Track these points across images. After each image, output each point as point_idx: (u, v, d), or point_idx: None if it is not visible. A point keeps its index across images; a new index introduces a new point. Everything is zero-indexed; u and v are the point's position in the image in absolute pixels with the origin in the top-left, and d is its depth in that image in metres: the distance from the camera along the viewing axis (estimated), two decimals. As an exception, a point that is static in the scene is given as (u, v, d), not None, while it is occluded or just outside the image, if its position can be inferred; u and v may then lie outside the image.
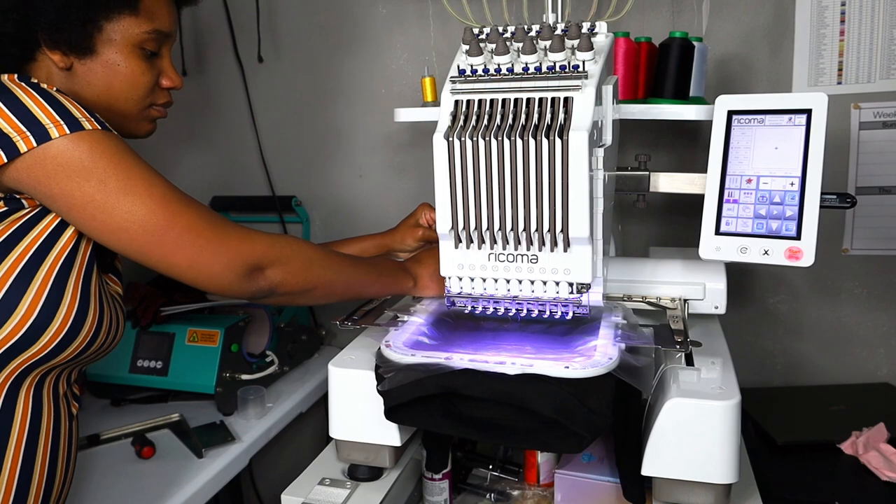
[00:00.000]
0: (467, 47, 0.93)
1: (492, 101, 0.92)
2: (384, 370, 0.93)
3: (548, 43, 0.90)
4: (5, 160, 0.77)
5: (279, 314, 1.59)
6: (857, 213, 1.40)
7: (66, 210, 0.82)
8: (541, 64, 0.91)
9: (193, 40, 1.75)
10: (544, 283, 0.95)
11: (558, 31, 0.94)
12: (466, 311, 1.02)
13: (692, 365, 0.97)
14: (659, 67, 1.18)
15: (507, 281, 0.96)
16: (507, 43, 0.93)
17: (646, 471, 0.89)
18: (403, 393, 0.88)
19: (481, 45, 0.94)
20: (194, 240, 0.86)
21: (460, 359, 0.89)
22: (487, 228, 0.93)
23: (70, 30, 0.89)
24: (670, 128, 1.43)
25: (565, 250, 0.91)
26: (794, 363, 1.48)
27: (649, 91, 1.21)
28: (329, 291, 0.99)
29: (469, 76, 0.93)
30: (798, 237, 0.90)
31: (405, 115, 1.26)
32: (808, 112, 0.92)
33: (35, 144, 0.78)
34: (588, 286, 0.94)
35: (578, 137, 0.86)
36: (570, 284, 0.94)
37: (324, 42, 1.66)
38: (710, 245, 0.95)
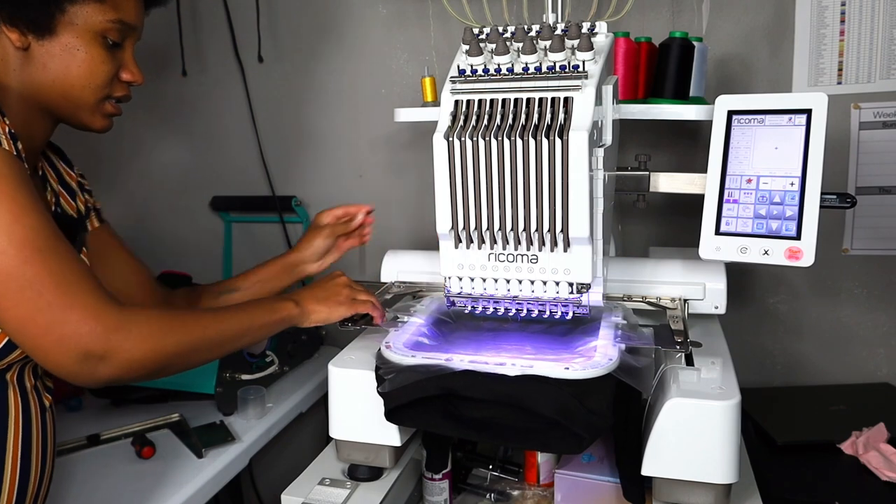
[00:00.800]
0: (467, 47, 0.93)
1: (492, 101, 0.92)
2: (384, 371, 0.92)
3: (548, 43, 0.90)
4: None
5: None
6: (857, 213, 1.40)
7: None
8: (541, 64, 0.91)
9: (193, 40, 1.75)
10: (544, 283, 0.95)
11: (558, 31, 0.94)
12: (466, 311, 1.02)
13: (692, 365, 0.97)
14: (659, 67, 1.18)
15: (507, 281, 0.96)
16: (507, 43, 0.93)
17: (646, 471, 0.89)
18: (404, 394, 0.88)
19: (481, 45, 0.94)
20: (32, 299, 0.75)
21: (460, 360, 0.89)
22: (487, 228, 0.93)
23: (31, 7, 0.87)
24: (670, 128, 1.43)
25: (565, 250, 0.91)
26: (794, 363, 1.48)
27: (649, 91, 1.21)
28: (195, 358, 0.90)
29: (469, 76, 0.93)
30: (798, 237, 0.90)
31: (405, 115, 1.26)
32: (808, 112, 0.92)
33: None
34: (588, 286, 0.94)
35: (578, 137, 0.86)
36: (570, 284, 0.94)
37: (324, 42, 1.66)
38: (710, 245, 0.95)
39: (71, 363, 0.77)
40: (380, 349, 0.97)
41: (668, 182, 1.06)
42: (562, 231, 0.90)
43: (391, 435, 0.98)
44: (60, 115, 0.96)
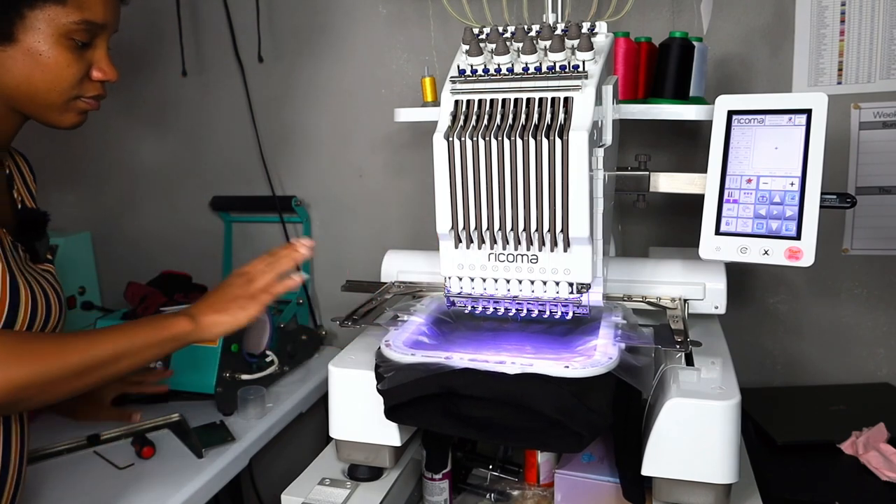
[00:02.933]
0: (467, 47, 0.93)
1: (492, 101, 0.92)
2: (384, 369, 0.93)
3: (548, 43, 0.90)
4: None
5: (279, 314, 1.59)
6: (857, 213, 1.40)
7: None
8: (541, 64, 0.91)
9: (193, 40, 1.75)
10: (544, 283, 0.95)
11: (558, 31, 0.94)
12: (466, 311, 1.02)
13: (692, 365, 0.97)
14: (659, 67, 1.18)
15: (507, 281, 0.96)
16: (507, 43, 0.93)
17: (646, 471, 0.89)
18: (403, 392, 0.88)
19: (481, 45, 0.94)
20: None
21: (460, 358, 0.89)
22: (487, 228, 0.93)
23: None
24: (670, 128, 1.43)
25: (565, 250, 0.91)
26: (794, 363, 1.48)
27: (649, 91, 1.21)
28: (59, 389, 0.80)
29: (469, 76, 0.93)
30: (798, 237, 0.90)
31: (405, 115, 1.26)
32: (808, 112, 0.92)
33: None
34: (588, 286, 0.94)
35: (578, 137, 0.86)
36: (570, 284, 0.94)
37: (324, 42, 1.66)
38: (710, 245, 0.95)
39: None
40: (379, 347, 0.97)
41: (668, 182, 1.06)
42: (562, 231, 0.90)
43: (391, 435, 0.99)
44: (28, 114, 0.94)
